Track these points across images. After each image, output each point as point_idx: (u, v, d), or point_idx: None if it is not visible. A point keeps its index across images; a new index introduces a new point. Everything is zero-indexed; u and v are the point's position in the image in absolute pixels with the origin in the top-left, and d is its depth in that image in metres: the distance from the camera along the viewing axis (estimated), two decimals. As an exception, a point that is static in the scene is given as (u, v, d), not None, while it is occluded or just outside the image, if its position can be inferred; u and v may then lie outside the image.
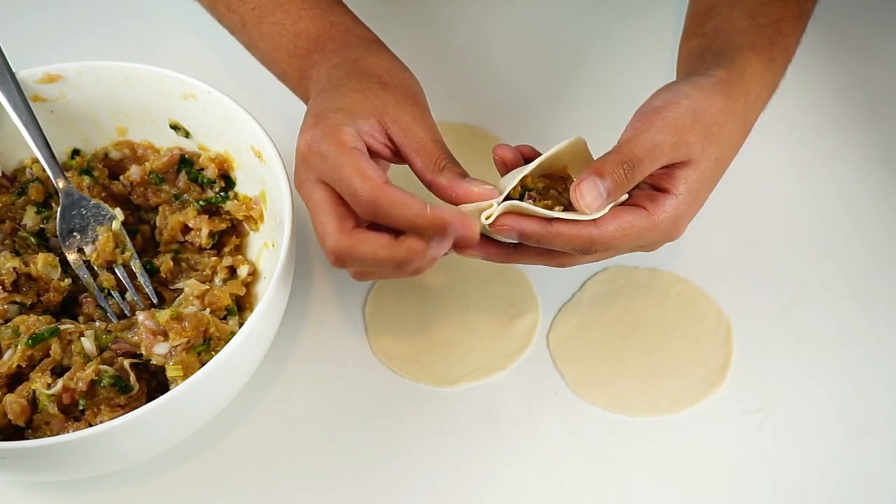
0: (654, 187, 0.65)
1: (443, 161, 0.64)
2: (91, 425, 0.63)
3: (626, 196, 0.64)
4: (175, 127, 0.77)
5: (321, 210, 0.62)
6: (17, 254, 0.73)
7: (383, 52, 0.70)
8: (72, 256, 0.72)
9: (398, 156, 0.65)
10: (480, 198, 0.62)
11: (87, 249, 0.73)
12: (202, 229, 0.75)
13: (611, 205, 0.63)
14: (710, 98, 0.65)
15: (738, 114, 0.67)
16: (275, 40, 0.72)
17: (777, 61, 0.71)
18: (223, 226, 0.76)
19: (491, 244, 0.65)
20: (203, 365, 0.63)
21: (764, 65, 0.70)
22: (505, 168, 0.66)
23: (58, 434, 0.63)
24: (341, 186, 0.61)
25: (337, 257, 0.61)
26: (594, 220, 0.62)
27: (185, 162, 0.77)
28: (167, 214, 0.76)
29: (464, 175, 0.64)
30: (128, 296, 0.72)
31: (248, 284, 0.74)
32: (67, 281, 0.72)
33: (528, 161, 0.65)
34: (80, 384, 0.64)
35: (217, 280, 0.74)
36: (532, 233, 0.62)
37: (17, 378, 0.66)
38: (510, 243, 0.65)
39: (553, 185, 0.65)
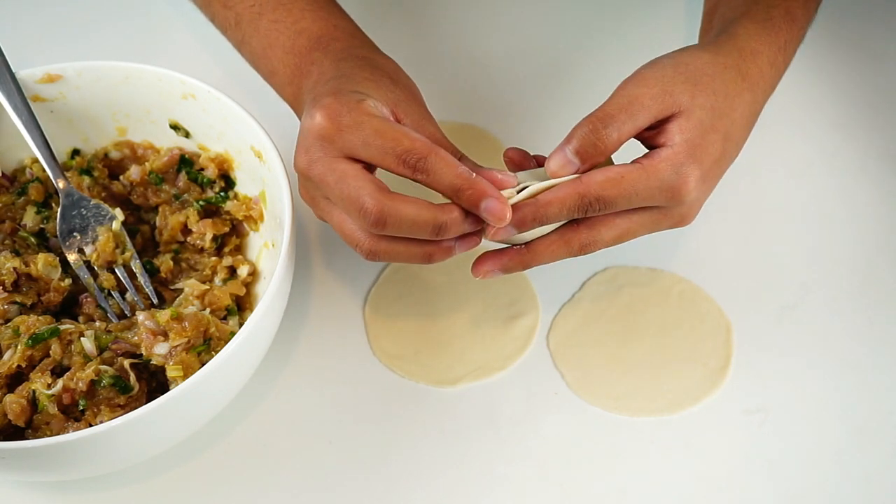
0: (651, 146, 0.64)
1: (457, 154, 0.64)
2: (91, 425, 0.63)
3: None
4: (175, 127, 0.77)
5: (351, 176, 0.60)
6: (17, 254, 0.73)
7: (387, 57, 0.70)
8: (72, 257, 0.72)
9: None
10: (503, 183, 0.62)
11: (88, 250, 0.73)
12: (206, 234, 0.75)
13: None
14: (694, 54, 0.65)
15: (731, 66, 0.65)
16: (271, 37, 0.72)
17: (776, 21, 0.70)
18: (226, 229, 0.76)
19: (503, 254, 0.64)
20: (203, 365, 0.63)
21: (758, 24, 0.69)
22: (514, 168, 0.65)
23: (58, 434, 0.63)
24: (384, 150, 0.60)
25: (378, 217, 0.59)
26: (578, 177, 0.61)
27: (185, 162, 0.77)
28: (167, 214, 0.76)
29: (478, 165, 0.64)
30: (128, 296, 0.73)
31: (248, 284, 0.74)
32: (67, 281, 0.72)
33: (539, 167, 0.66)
34: (80, 384, 0.64)
35: (217, 280, 0.74)
36: (523, 215, 0.61)
37: (17, 378, 0.66)
38: (521, 246, 0.64)
39: None
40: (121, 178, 0.78)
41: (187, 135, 0.77)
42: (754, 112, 0.68)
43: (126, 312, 0.72)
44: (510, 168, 0.66)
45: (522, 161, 0.66)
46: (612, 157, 0.64)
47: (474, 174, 0.60)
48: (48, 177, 0.74)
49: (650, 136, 0.64)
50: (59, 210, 0.73)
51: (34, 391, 0.64)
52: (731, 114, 0.65)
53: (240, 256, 0.76)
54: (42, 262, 0.71)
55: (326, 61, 0.68)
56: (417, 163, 0.59)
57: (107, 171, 0.78)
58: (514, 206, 0.61)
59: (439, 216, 0.60)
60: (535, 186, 0.62)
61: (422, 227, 0.60)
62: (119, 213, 0.73)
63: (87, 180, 0.76)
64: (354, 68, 0.66)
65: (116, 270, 0.73)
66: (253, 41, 0.74)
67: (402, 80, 0.68)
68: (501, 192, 0.61)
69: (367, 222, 0.60)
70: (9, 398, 0.64)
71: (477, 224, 0.62)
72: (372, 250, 0.63)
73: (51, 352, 0.66)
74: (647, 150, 0.64)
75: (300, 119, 0.70)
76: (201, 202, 0.76)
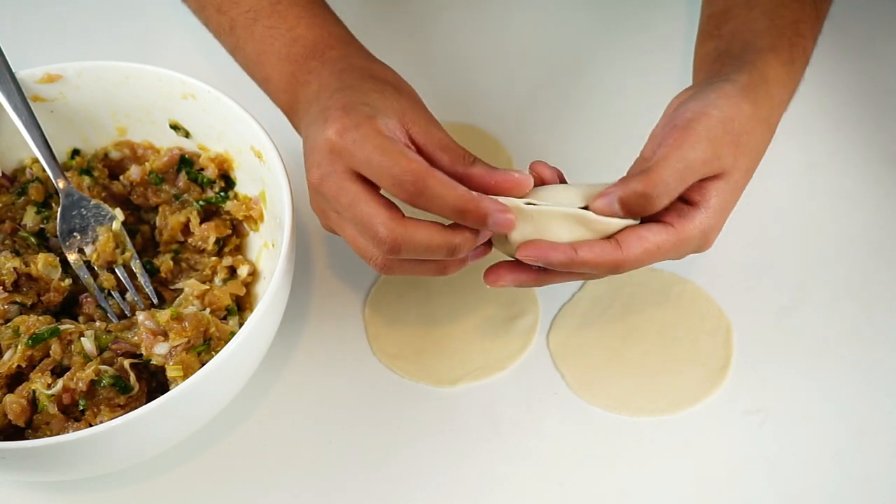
0: (683, 199, 0.64)
1: (470, 156, 0.64)
2: (91, 425, 0.63)
3: None
4: (175, 127, 0.77)
5: (363, 201, 0.61)
6: (17, 254, 0.73)
7: (384, 64, 0.70)
8: (72, 257, 0.72)
9: (420, 156, 0.64)
10: (519, 183, 0.62)
11: (88, 250, 0.73)
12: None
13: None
14: (738, 106, 0.65)
15: (764, 119, 0.67)
16: (266, 43, 0.72)
17: (796, 63, 0.71)
18: (228, 231, 0.76)
19: (521, 270, 0.64)
20: (203, 365, 0.63)
21: (784, 67, 0.70)
22: (539, 183, 0.66)
23: (58, 434, 0.63)
24: (382, 172, 0.60)
25: (392, 245, 0.60)
26: (619, 245, 0.62)
27: (185, 162, 0.77)
28: (167, 214, 0.76)
29: (491, 167, 0.64)
30: (128, 296, 0.73)
31: (248, 284, 0.74)
32: (68, 281, 0.72)
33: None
34: (80, 384, 0.64)
35: (217, 280, 0.74)
36: (558, 262, 0.62)
37: (17, 378, 0.66)
38: (538, 266, 0.64)
39: None
40: (121, 178, 0.78)
41: (187, 135, 0.77)
42: None
43: (126, 312, 0.72)
44: (536, 183, 0.66)
45: (545, 180, 0.66)
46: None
47: (474, 193, 0.60)
48: (48, 177, 0.74)
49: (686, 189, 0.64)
50: (59, 210, 0.73)
51: (34, 391, 0.64)
52: (754, 170, 0.67)
53: (240, 256, 0.76)
54: (42, 262, 0.71)
55: (325, 71, 0.68)
56: (414, 186, 0.59)
57: (107, 171, 0.78)
58: (548, 246, 0.61)
59: (452, 238, 0.61)
60: (554, 209, 0.62)
61: (436, 250, 0.61)
62: (119, 213, 0.73)
63: (87, 180, 0.76)
64: (358, 79, 0.66)
65: (116, 270, 0.73)
66: (247, 47, 0.74)
67: (404, 87, 0.68)
68: (506, 199, 0.62)
69: (382, 251, 0.61)
70: (9, 398, 0.64)
71: (488, 236, 0.63)
72: (386, 266, 0.64)
73: (51, 352, 0.66)
74: (679, 200, 0.64)
75: (295, 127, 0.71)
76: (201, 202, 0.76)
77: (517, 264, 0.64)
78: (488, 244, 0.65)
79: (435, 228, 0.61)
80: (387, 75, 0.68)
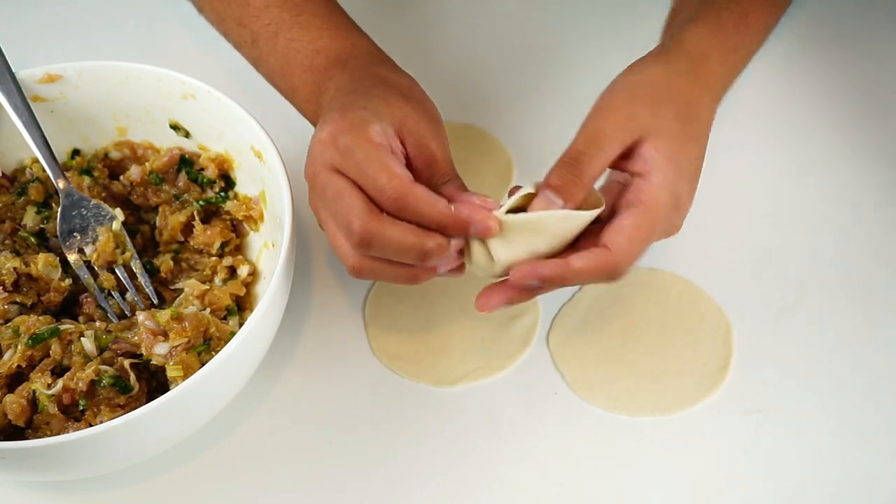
0: (632, 175, 0.64)
1: (447, 176, 0.65)
2: (91, 425, 0.63)
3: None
4: (175, 127, 0.77)
5: (345, 194, 0.61)
6: (17, 254, 0.73)
7: (406, 73, 0.71)
8: (72, 257, 0.73)
9: (408, 167, 0.65)
10: (481, 208, 0.62)
11: (88, 250, 0.73)
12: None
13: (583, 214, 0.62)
14: (644, 70, 0.66)
15: (683, 72, 0.67)
16: (289, 56, 0.72)
17: (726, 24, 0.71)
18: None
19: (511, 287, 0.64)
20: (203, 365, 0.63)
21: (707, 27, 0.70)
22: None
23: (58, 434, 0.63)
24: (366, 181, 0.61)
25: (363, 239, 0.60)
26: (606, 245, 0.61)
27: (185, 162, 0.77)
28: (167, 214, 0.76)
29: (465, 188, 0.65)
30: (128, 296, 0.73)
31: (248, 284, 0.74)
32: (68, 281, 0.72)
33: None
34: (80, 384, 0.64)
35: (217, 280, 0.74)
36: (553, 275, 0.61)
37: (17, 378, 0.66)
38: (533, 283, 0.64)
39: None
40: (121, 178, 0.78)
41: (187, 135, 0.77)
42: (714, 111, 0.69)
43: (126, 312, 0.72)
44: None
45: None
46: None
47: (453, 206, 0.61)
48: (48, 177, 0.74)
49: (626, 165, 0.64)
50: (59, 210, 0.73)
51: (34, 391, 0.64)
52: (696, 118, 0.66)
53: (240, 256, 0.76)
54: (42, 262, 0.71)
55: (344, 77, 0.69)
56: (395, 202, 0.60)
57: (107, 171, 0.78)
58: (540, 263, 0.62)
59: (425, 242, 0.61)
60: (537, 215, 0.62)
61: (406, 252, 0.61)
62: (119, 213, 0.74)
63: (87, 180, 0.76)
64: (370, 85, 0.67)
65: (116, 270, 0.73)
66: (270, 59, 0.74)
67: (416, 96, 0.68)
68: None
69: (353, 242, 0.61)
70: (9, 398, 0.64)
71: (460, 245, 0.63)
72: (356, 267, 0.64)
73: (51, 352, 0.66)
74: (630, 176, 0.64)
75: None
76: (201, 202, 0.76)
77: (503, 285, 0.64)
78: (461, 267, 0.65)
79: (409, 229, 0.61)
80: (401, 84, 0.68)
